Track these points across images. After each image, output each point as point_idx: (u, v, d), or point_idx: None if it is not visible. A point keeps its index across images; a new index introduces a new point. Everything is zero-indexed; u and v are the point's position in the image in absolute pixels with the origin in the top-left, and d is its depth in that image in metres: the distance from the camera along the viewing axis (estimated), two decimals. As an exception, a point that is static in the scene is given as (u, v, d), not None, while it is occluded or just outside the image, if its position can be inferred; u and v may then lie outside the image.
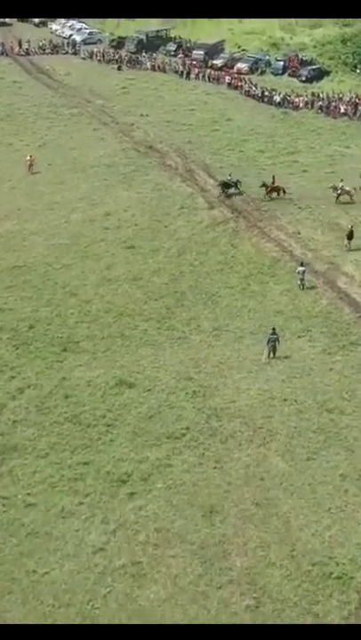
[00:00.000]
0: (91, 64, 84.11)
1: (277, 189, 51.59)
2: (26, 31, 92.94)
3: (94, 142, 62.14)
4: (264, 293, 40.86)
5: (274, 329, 35.36)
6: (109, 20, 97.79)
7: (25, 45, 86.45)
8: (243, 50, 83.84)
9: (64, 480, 28.35)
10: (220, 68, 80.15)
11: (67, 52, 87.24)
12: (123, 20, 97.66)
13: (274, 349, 35.08)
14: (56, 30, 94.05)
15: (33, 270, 43.30)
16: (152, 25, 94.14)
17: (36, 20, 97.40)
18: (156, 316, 38.96)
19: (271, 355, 35.07)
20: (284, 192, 51.52)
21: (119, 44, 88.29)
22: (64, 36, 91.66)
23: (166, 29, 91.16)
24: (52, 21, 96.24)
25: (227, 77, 77.09)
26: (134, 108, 69.84)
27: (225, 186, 52.25)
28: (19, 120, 66.91)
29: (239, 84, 75.46)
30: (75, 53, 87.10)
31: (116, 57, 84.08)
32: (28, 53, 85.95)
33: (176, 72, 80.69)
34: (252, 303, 39.96)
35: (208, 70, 79.37)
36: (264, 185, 51.49)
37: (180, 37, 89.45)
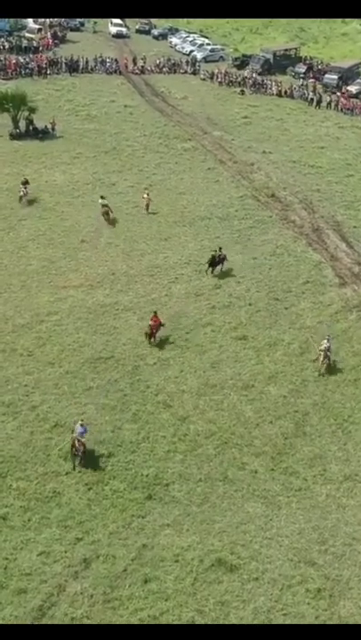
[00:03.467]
0: (211, 86, 75.95)
1: None
2: (143, 44, 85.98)
3: (207, 186, 53.87)
4: None
5: None
6: (234, 36, 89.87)
7: (140, 62, 78.98)
8: (382, 74, 74.54)
9: None
10: (356, 96, 70.82)
11: (185, 72, 79.29)
12: (247, 36, 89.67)
13: None
14: (176, 45, 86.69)
15: (121, 365, 35.28)
16: (279, 43, 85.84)
17: (156, 33, 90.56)
18: (270, 450, 30.35)
19: None
20: None
21: (243, 62, 79.92)
22: (184, 52, 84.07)
23: (295, 48, 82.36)
24: (173, 34, 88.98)
25: (363, 108, 67.69)
26: (256, 144, 61.27)
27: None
28: (125, 154, 59.03)
29: (377, 116, 66.02)
30: (194, 73, 79.09)
31: (239, 79, 75.54)
32: (142, 72, 78.32)
33: (305, 99, 71.66)
34: (395, 438, 30.98)
35: (341, 98, 70.02)
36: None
37: (310, 58, 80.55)
